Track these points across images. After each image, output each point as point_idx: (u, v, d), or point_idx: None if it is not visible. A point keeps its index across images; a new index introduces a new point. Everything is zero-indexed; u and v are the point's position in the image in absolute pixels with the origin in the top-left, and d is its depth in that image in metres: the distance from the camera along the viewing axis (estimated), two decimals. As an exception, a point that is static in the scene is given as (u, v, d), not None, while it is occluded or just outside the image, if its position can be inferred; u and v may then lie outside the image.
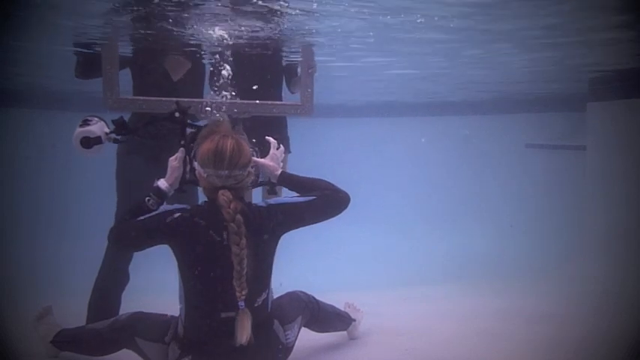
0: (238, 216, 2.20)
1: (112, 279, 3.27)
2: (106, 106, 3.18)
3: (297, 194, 2.54)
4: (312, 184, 2.54)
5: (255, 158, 2.50)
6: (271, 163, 2.61)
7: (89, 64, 3.44)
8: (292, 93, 3.99)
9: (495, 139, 7.73)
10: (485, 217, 7.24)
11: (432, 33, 3.78)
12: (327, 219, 2.49)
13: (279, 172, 2.61)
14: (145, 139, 3.04)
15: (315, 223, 2.48)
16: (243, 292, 2.18)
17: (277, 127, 3.68)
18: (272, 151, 2.65)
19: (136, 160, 3.28)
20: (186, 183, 2.56)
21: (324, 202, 2.47)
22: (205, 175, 2.29)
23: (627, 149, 5.07)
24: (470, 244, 6.68)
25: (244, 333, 2.17)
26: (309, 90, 3.55)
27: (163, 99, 3.12)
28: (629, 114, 5.07)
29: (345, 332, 3.23)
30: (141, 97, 3.23)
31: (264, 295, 2.37)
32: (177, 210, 2.31)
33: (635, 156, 4.98)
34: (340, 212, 2.51)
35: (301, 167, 3.43)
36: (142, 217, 2.33)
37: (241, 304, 2.19)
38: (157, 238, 2.33)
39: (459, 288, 4.79)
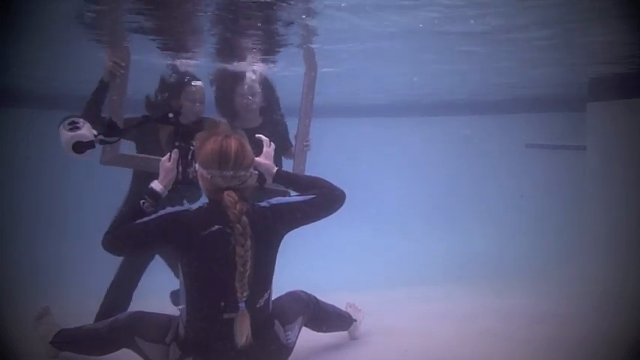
0: (244, 217, 2.19)
1: (130, 275, 3.26)
2: (101, 161, 3.09)
3: (295, 192, 2.55)
4: (309, 182, 2.55)
5: None
6: (266, 162, 2.59)
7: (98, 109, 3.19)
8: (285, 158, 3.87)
9: (495, 139, 7.73)
10: (485, 217, 7.24)
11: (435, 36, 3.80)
12: (325, 217, 2.49)
13: (275, 170, 2.60)
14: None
15: (315, 221, 2.48)
16: (245, 294, 2.18)
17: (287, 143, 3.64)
18: (265, 148, 2.64)
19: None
20: (182, 184, 2.53)
21: (322, 199, 2.47)
22: (209, 177, 2.27)
23: (627, 149, 5.06)
24: (470, 244, 6.67)
25: (243, 334, 2.16)
26: (301, 167, 3.48)
27: (134, 155, 3.07)
28: (629, 114, 5.07)
29: (345, 332, 3.23)
30: (140, 155, 3.13)
31: (265, 296, 2.37)
32: (181, 211, 2.30)
33: (635, 156, 4.97)
34: (337, 210, 2.51)
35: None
36: (142, 220, 2.29)
37: (242, 305, 2.18)
38: (159, 241, 2.32)
39: (459, 288, 4.79)
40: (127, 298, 3.22)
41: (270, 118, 3.60)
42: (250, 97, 3.41)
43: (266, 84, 3.57)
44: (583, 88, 5.77)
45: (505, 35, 3.87)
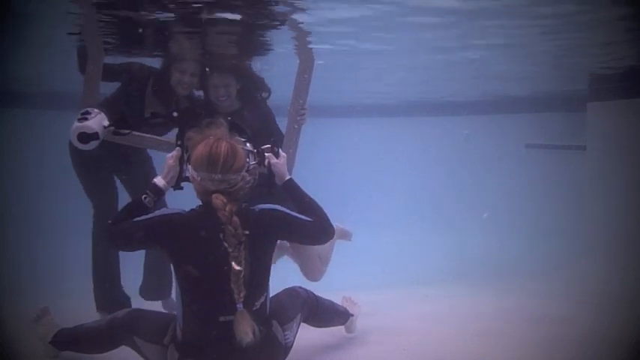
0: (235, 217, 2.19)
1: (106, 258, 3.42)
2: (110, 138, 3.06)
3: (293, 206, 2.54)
4: (310, 207, 2.51)
5: (271, 156, 2.53)
6: (284, 166, 2.60)
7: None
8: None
9: (495, 139, 7.73)
10: (486, 217, 7.24)
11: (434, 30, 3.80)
12: (309, 244, 2.55)
13: (288, 177, 2.59)
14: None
15: (299, 242, 2.52)
16: (242, 294, 2.17)
17: (272, 129, 3.44)
18: (282, 153, 2.64)
19: (93, 161, 3.31)
20: (184, 181, 2.55)
21: (317, 227, 2.47)
22: (199, 179, 2.27)
23: (627, 149, 5.07)
24: (470, 245, 6.68)
25: (248, 332, 2.15)
26: (291, 150, 3.24)
27: (143, 135, 3.04)
28: (629, 114, 5.07)
29: (342, 327, 3.22)
30: (148, 135, 3.05)
31: (262, 299, 2.35)
32: (174, 213, 2.31)
33: (635, 156, 4.98)
34: (321, 243, 2.57)
35: (302, 167, 3.43)
36: (138, 219, 2.30)
37: (239, 305, 2.18)
38: (152, 241, 2.33)
39: (459, 288, 4.78)
40: (116, 277, 3.38)
41: (250, 100, 3.38)
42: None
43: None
44: (583, 88, 5.77)
45: (504, 37, 3.88)
